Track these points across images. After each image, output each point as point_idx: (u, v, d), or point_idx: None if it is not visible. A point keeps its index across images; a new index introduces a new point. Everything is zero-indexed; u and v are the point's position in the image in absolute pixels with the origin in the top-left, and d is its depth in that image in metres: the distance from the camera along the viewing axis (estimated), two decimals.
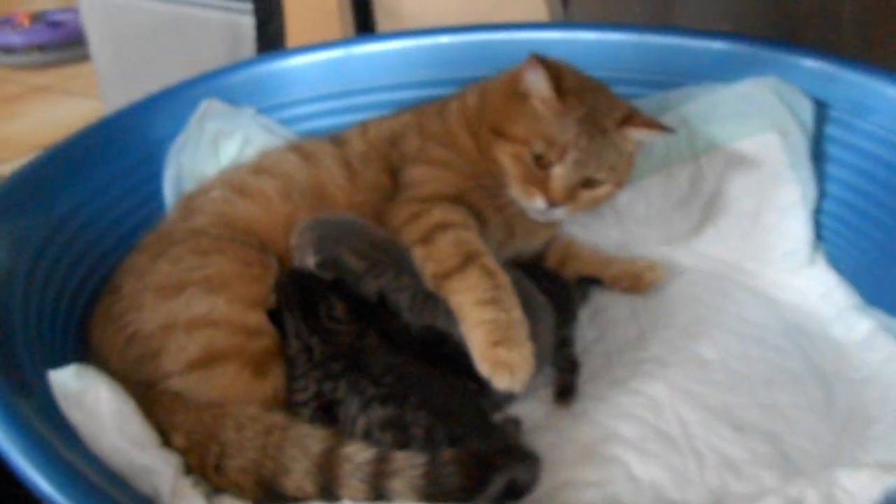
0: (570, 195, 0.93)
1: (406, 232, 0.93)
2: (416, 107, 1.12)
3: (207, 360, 0.80)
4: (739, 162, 1.14)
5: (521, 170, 0.93)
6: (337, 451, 0.71)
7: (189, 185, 1.14)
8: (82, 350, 0.89)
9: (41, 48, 2.71)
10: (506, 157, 0.95)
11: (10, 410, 0.65)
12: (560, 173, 0.91)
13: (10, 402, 0.66)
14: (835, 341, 1.01)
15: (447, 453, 0.70)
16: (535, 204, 0.93)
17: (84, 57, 2.61)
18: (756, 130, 1.11)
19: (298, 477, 0.70)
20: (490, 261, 0.87)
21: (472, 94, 1.06)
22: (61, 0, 3.31)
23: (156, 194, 1.14)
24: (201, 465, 0.74)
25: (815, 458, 0.83)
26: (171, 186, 1.14)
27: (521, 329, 0.82)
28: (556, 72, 0.93)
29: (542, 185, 0.92)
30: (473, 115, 1.02)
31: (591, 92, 0.95)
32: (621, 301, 1.10)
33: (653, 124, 0.95)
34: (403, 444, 0.73)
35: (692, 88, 1.16)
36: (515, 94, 0.95)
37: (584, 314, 1.06)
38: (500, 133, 0.96)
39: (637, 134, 0.95)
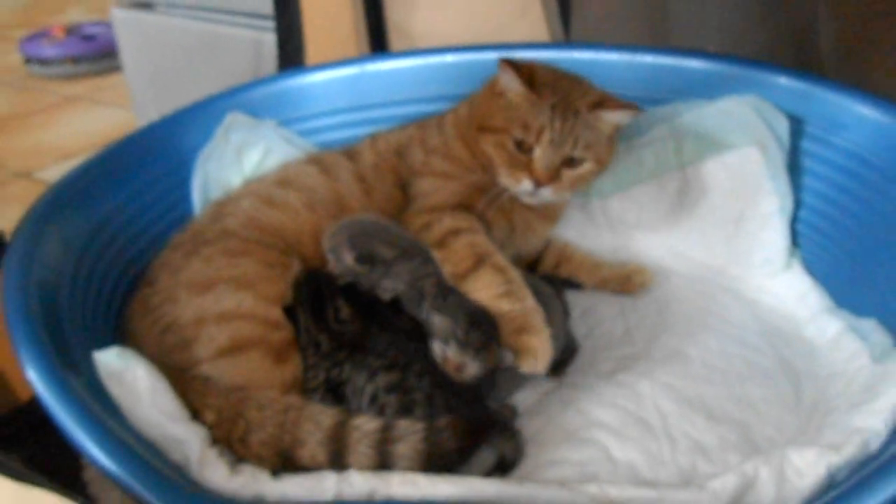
0: (554, 174, 1.00)
1: (422, 238, 1.03)
2: (419, 121, 1.21)
3: (235, 348, 0.90)
4: (724, 173, 1.22)
5: (505, 157, 1.02)
6: (346, 423, 0.80)
7: (215, 192, 1.25)
8: (119, 336, 0.99)
9: (74, 60, 2.84)
10: (490, 148, 1.04)
11: (63, 386, 0.75)
12: (539, 154, 1.00)
13: (63, 378, 0.76)
14: (807, 341, 1.09)
15: (443, 420, 0.80)
16: (523, 186, 1.01)
17: (114, 69, 2.75)
18: (738, 144, 1.19)
19: (312, 447, 0.80)
20: (500, 259, 0.98)
21: (463, 106, 1.16)
22: (95, 14, 3.47)
23: (184, 199, 1.24)
24: (227, 439, 0.83)
25: (779, 445, 0.89)
26: (199, 192, 1.25)
27: (538, 316, 0.93)
28: (528, 69, 1.02)
29: (527, 167, 1.01)
30: (464, 124, 1.11)
31: (565, 82, 1.04)
32: (610, 301, 1.18)
33: (623, 105, 1.02)
34: (407, 406, 0.83)
35: (680, 105, 1.24)
36: (494, 94, 1.05)
37: (574, 312, 1.15)
38: (484, 128, 1.05)
39: (610, 116, 1.02)
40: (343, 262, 0.99)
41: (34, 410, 0.79)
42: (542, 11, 1.51)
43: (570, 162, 1.02)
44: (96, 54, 2.84)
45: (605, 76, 1.27)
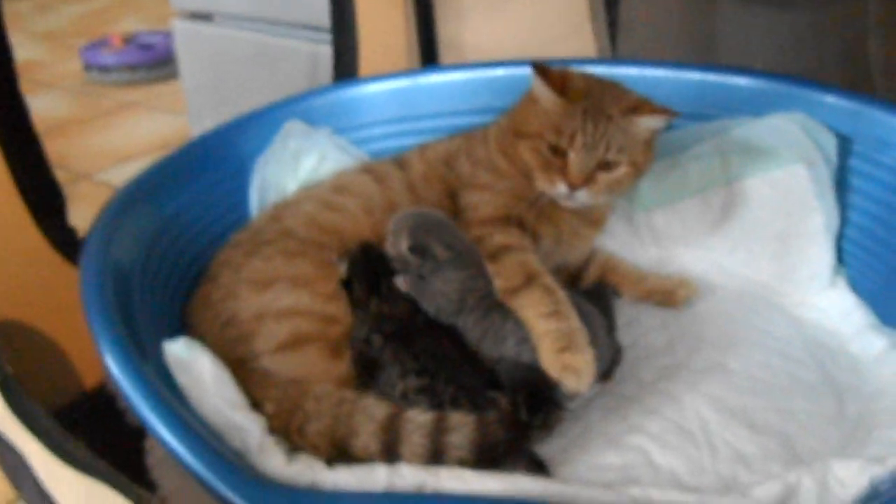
0: (589, 178, 1.03)
1: None
2: (467, 132, 1.25)
3: (294, 343, 0.94)
4: (770, 190, 1.22)
5: (541, 161, 1.05)
6: (400, 416, 0.83)
7: (272, 195, 1.30)
8: (182, 329, 1.04)
9: (132, 68, 2.96)
10: (527, 153, 1.07)
11: (139, 373, 0.79)
12: (573, 157, 1.02)
13: (138, 365, 0.81)
14: (851, 357, 1.09)
15: (491, 414, 0.84)
16: (558, 189, 1.04)
17: (169, 76, 2.86)
18: (785, 161, 1.20)
19: (365, 438, 0.83)
20: (549, 280, 1.01)
21: (503, 119, 1.19)
22: (149, 23, 3.60)
23: (242, 202, 1.30)
24: (286, 429, 0.87)
25: (822, 457, 0.89)
26: (257, 195, 1.30)
27: (582, 336, 0.95)
28: (560, 76, 1.05)
29: (562, 171, 1.03)
30: (504, 137, 1.14)
31: (598, 88, 1.06)
32: (653, 313, 1.19)
33: (657, 110, 1.04)
34: (435, 406, 0.87)
35: (726, 121, 1.26)
36: (530, 101, 1.09)
37: (619, 323, 1.17)
38: (520, 134, 1.08)
39: (644, 121, 1.04)
40: (398, 246, 1.03)
41: (98, 398, 0.84)
42: (592, 29, 1.54)
43: (605, 165, 1.04)
44: (153, 62, 2.95)
45: (652, 93, 1.28)
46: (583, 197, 1.04)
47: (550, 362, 0.92)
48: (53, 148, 1.15)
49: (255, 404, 0.89)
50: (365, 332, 0.98)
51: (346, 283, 1.01)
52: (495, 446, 0.82)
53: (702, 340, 1.13)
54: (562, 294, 0.99)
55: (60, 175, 1.19)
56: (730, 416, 0.98)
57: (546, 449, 0.94)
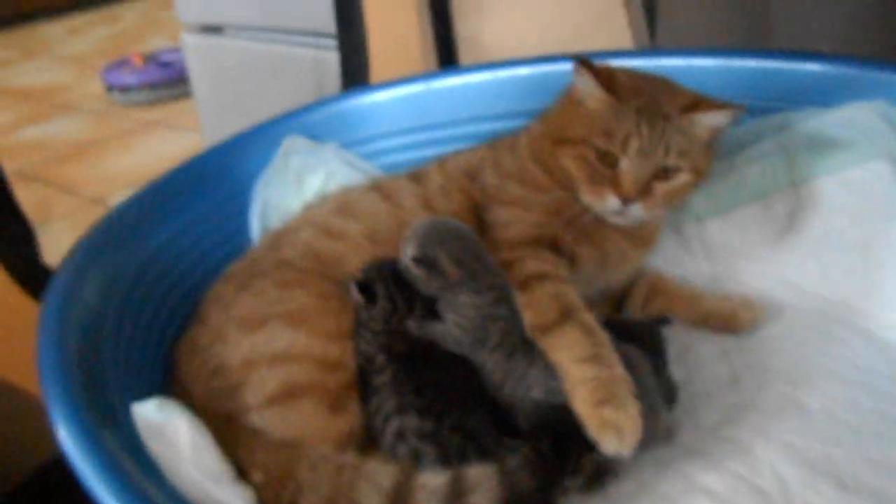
0: (644, 189, 0.89)
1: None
2: (491, 141, 1.11)
3: (286, 396, 0.82)
4: (846, 191, 1.05)
5: (587, 171, 0.91)
6: (410, 482, 0.72)
7: (274, 219, 1.18)
8: (169, 378, 0.92)
9: (152, 86, 2.91)
10: (570, 162, 0.93)
11: (95, 446, 0.67)
12: (627, 165, 0.88)
13: (97, 437, 0.68)
14: None
15: (512, 460, 0.73)
16: (608, 204, 0.90)
17: (190, 93, 2.79)
18: (864, 158, 1.03)
19: None
20: (588, 317, 0.86)
21: (536, 124, 1.04)
22: (175, 41, 3.56)
23: (242, 229, 1.18)
24: (277, 501, 0.75)
25: None
26: (258, 220, 1.18)
27: (626, 386, 0.80)
28: (607, 72, 0.92)
29: (612, 182, 0.89)
30: (539, 143, 1.00)
31: (650, 85, 0.92)
32: (710, 340, 1.03)
33: (721, 106, 0.90)
34: (441, 458, 0.76)
35: (789, 114, 1.10)
36: (571, 103, 0.95)
37: (668, 353, 1.01)
38: (561, 141, 0.94)
39: (707, 119, 0.90)
40: (404, 255, 0.90)
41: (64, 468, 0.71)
42: (625, 17, 1.38)
43: (663, 173, 0.90)
44: (173, 80, 2.89)
45: (699, 85, 1.13)
46: (637, 212, 0.90)
47: (587, 416, 0.78)
48: (69, 172, 1.05)
49: (243, 473, 0.76)
50: (371, 347, 0.87)
51: (365, 286, 0.88)
52: (526, 496, 0.72)
53: (772, 372, 0.97)
54: (603, 335, 0.84)
55: (72, 201, 1.08)
56: (812, 472, 0.82)
57: None
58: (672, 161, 0.89)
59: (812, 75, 1.08)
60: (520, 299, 0.89)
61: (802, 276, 1.09)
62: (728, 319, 1.04)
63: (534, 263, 0.92)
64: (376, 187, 1.08)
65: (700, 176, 0.92)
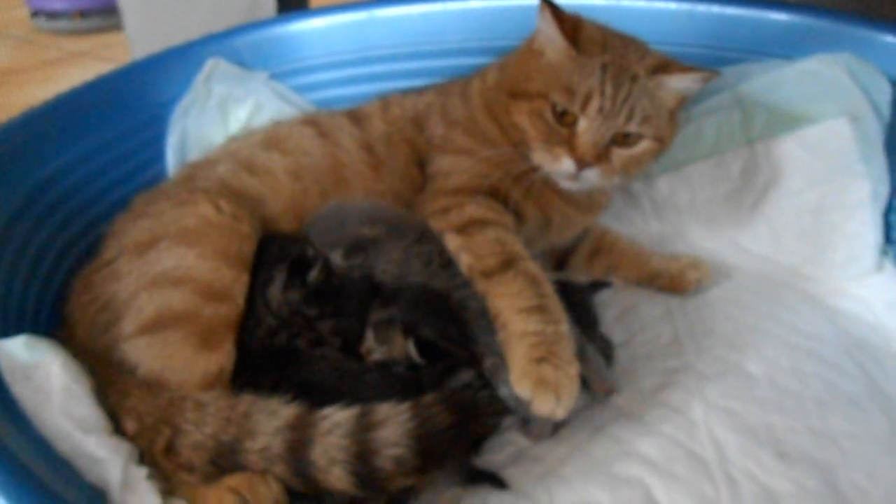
0: (602, 154, 0.81)
1: (436, 221, 0.86)
2: (439, 85, 1.02)
3: (158, 324, 0.73)
4: (802, 151, 1.01)
5: (542, 129, 0.83)
6: (312, 415, 0.66)
7: (194, 152, 1.07)
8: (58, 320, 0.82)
9: (83, 14, 2.69)
10: (524, 118, 0.85)
11: None
12: (585, 126, 0.81)
13: None
14: None
15: (427, 397, 0.67)
16: (563, 166, 0.82)
17: (121, 25, 2.59)
18: (823, 115, 0.98)
19: (266, 438, 0.65)
20: (533, 266, 0.80)
21: (492, 71, 0.96)
22: None
23: (156, 160, 1.07)
24: (150, 449, 0.67)
25: (874, 498, 0.72)
26: (175, 152, 1.08)
27: (568, 345, 0.74)
28: (574, 21, 0.84)
29: (569, 144, 0.82)
30: (493, 95, 0.92)
31: (618, 41, 0.85)
32: (654, 300, 0.99)
33: (692, 69, 0.83)
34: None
35: (751, 66, 1.04)
36: (532, 53, 0.86)
37: (610, 314, 0.95)
38: (516, 94, 0.86)
39: (675, 82, 0.83)
40: (335, 263, 0.82)
41: None
42: None
43: (623, 139, 0.82)
44: (106, 7, 2.68)
45: (660, 30, 1.08)
46: (592, 177, 0.82)
47: (522, 372, 0.72)
48: None
49: (116, 421, 0.67)
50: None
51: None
52: (441, 434, 0.65)
53: (715, 336, 0.93)
54: (549, 286, 0.78)
55: None
56: (752, 440, 0.78)
57: (517, 479, 0.75)
58: (635, 127, 0.81)
59: (778, 25, 1.02)
60: (455, 242, 0.82)
61: (753, 239, 1.05)
62: (674, 279, 0.99)
63: (474, 209, 0.85)
64: (311, 122, 0.98)
65: (663, 145, 0.85)
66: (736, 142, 1.05)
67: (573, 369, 0.72)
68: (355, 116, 0.99)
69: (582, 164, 0.81)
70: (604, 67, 0.80)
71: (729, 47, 1.05)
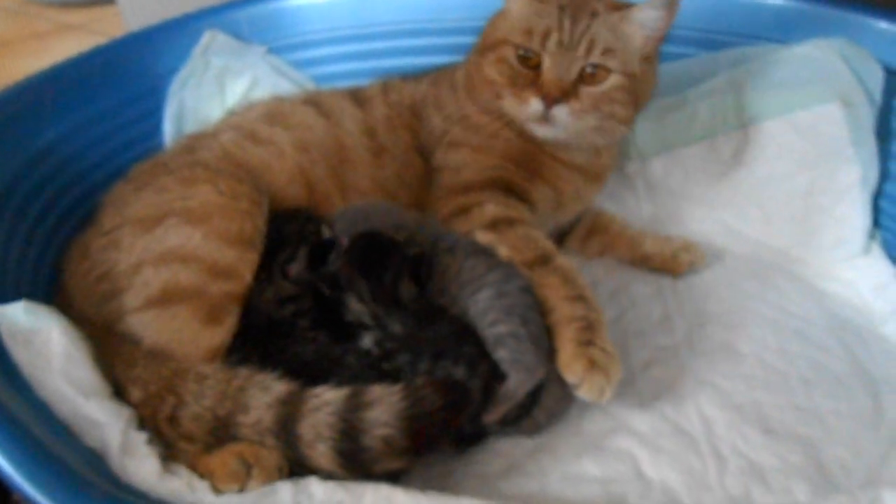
0: (569, 90, 0.82)
1: (458, 222, 0.86)
2: (433, 74, 1.01)
3: (165, 299, 0.73)
4: (794, 135, 1.02)
5: (509, 74, 0.85)
6: (304, 392, 0.66)
7: (191, 124, 1.07)
8: (54, 286, 0.82)
9: None
10: (492, 68, 0.86)
11: None
12: (548, 63, 0.82)
13: None
14: (887, 341, 0.91)
15: (420, 379, 0.67)
16: (532, 107, 0.83)
17: None
18: (815, 100, 0.99)
19: (258, 412, 0.66)
20: (565, 261, 0.82)
21: (472, 55, 0.95)
22: None
23: (154, 131, 1.07)
24: (154, 417, 0.68)
25: (857, 474, 0.73)
26: (172, 123, 1.07)
27: (606, 330, 0.76)
28: None
29: (535, 83, 0.83)
30: (470, 71, 0.92)
31: None
32: (646, 279, 1.00)
33: (656, 3, 0.82)
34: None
35: (745, 49, 1.05)
36: (499, 13, 0.90)
37: (602, 291, 0.97)
38: (483, 49, 0.88)
39: (640, 16, 0.83)
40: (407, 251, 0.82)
41: None
42: None
43: (591, 77, 0.82)
44: None
45: None
46: (562, 116, 0.82)
47: (573, 355, 0.73)
48: None
49: (122, 390, 0.68)
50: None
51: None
52: (432, 415, 0.65)
53: (705, 316, 0.94)
54: (582, 278, 0.80)
55: None
56: (738, 415, 0.80)
57: (509, 452, 0.76)
58: (597, 58, 0.81)
59: (773, 9, 1.03)
60: (487, 239, 0.83)
61: (744, 222, 1.06)
62: (667, 261, 1.00)
63: (496, 208, 0.86)
64: (312, 101, 0.98)
65: (635, 83, 0.84)
66: (729, 125, 1.06)
67: (617, 355, 0.74)
68: (357, 98, 0.99)
69: (549, 100, 0.81)
70: (561, 7, 0.82)
71: (724, 31, 1.06)
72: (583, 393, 0.71)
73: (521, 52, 0.82)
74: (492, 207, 0.86)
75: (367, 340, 0.76)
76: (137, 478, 0.62)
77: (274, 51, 1.15)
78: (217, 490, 0.63)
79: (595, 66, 0.81)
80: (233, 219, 0.78)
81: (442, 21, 1.16)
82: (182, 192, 0.79)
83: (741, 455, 0.74)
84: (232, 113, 1.01)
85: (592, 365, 0.71)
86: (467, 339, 0.74)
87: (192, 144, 0.92)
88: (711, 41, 1.05)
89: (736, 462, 0.74)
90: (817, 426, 0.78)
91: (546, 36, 0.81)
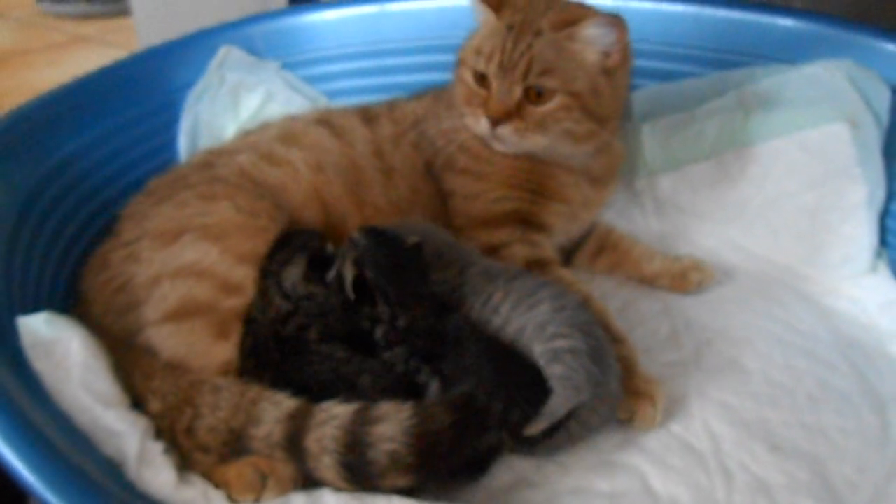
0: (511, 110, 0.84)
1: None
2: (436, 90, 1.03)
3: (182, 313, 0.75)
4: (801, 153, 1.03)
5: (466, 92, 0.89)
6: (313, 407, 0.68)
7: (206, 138, 1.09)
8: (73, 297, 0.84)
9: None
10: (457, 86, 0.90)
11: None
12: (493, 84, 0.85)
13: None
14: (894, 360, 0.91)
15: (431, 399, 0.70)
16: (479, 125, 0.86)
17: (128, 10, 2.59)
18: (823, 119, 1.00)
19: (268, 426, 0.67)
20: (600, 304, 0.87)
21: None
22: None
23: (169, 144, 1.09)
24: (172, 429, 0.69)
25: (863, 491, 0.73)
26: (187, 137, 1.09)
27: (639, 362, 0.81)
28: None
29: (484, 103, 0.86)
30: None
31: (544, 3, 0.88)
32: (653, 296, 1.01)
33: (602, 18, 0.83)
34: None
35: (755, 69, 1.06)
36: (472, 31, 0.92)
37: (610, 308, 0.97)
38: (456, 64, 0.92)
39: (582, 31, 0.83)
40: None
41: None
42: None
43: (537, 96, 0.84)
44: None
45: (667, 32, 1.09)
46: (507, 134, 0.85)
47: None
48: None
49: (141, 401, 0.69)
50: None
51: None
52: (440, 433, 0.65)
53: (712, 332, 0.95)
54: (614, 319, 0.85)
55: None
56: (746, 432, 0.80)
57: (517, 465, 0.76)
58: (534, 79, 0.83)
59: (782, 30, 1.04)
60: None
61: (751, 239, 1.07)
62: (677, 280, 1.01)
63: (522, 248, 0.89)
64: (324, 122, 0.99)
65: (581, 102, 0.85)
66: (736, 143, 1.07)
67: (655, 379, 0.78)
68: (366, 117, 1.00)
69: (494, 121, 0.84)
70: (510, 27, 0.84)
71: (734, 50, 1.07)
72: (637, 425, 0.76)
73: (475, 70, 0.86)
74: (519, 249, 0.89)
75: (377, 333, 0.78)
76: (154, 487, 0.64)
77: (287, 66, 1.17)
78: (233, 500, 0.64)
79: (539, 87, 0.84)
80: (248, 237, 0.80)
81: (452, 38, 1.16)
82: (201, 209, 0.81)
83: (748, 471, 0.75)
84: (248, 132, 1.02)
85: (640, 393, 0.76)
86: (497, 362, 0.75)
87: (211, 161, 0.94)
88: (721, 61, 1.06)
89: (743, 478, 0.74)
90: (824, 443, 0.79)
91: (490, 58, 0.84)
